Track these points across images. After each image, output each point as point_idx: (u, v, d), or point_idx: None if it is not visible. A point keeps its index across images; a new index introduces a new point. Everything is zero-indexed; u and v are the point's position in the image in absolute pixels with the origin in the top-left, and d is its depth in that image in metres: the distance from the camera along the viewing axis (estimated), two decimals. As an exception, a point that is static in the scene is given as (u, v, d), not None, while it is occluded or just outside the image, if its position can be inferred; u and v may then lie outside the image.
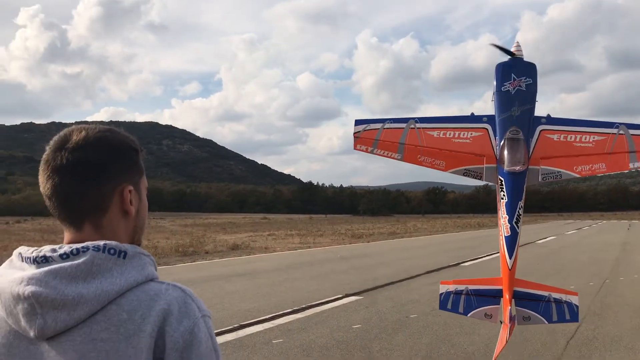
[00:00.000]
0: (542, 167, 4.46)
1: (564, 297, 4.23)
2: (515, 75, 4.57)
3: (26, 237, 37.72)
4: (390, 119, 4.87)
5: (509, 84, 4.57)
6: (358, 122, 4.91)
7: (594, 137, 4.44)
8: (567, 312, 4.18)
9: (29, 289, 1.11)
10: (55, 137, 1.25)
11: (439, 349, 7.11)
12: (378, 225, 64.23)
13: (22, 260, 1.18)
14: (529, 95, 4.58)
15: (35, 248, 1.18)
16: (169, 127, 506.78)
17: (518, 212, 4.32)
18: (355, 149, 4.84)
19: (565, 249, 24.93)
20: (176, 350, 1.13)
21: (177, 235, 42.74)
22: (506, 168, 4.41)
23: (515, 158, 4.40)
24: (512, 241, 4.29)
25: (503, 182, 4.42)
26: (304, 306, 10.02)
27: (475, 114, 4.75)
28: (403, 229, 53.72)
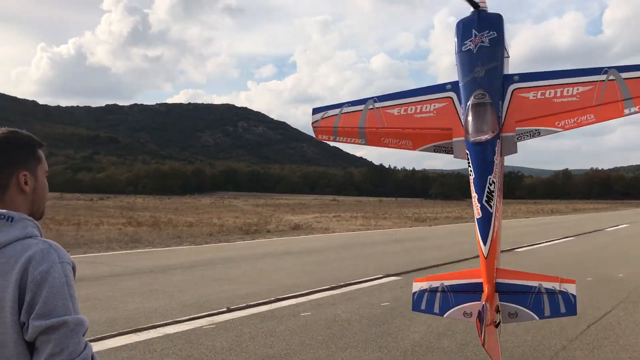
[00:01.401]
0: (518, 128, 3.88)
1: (557, 286, 3.56)
2: (477, 31, 4.02)
3: (107, 213, 40.22)
4: (348, 102, 4.53)
5: (470, 41, 4.03)
6: (315, 111, 4.60)
7: (577, 89, 3.78)
8: (562, 305, 3.52)
9: None
10: None
11: (456, 327, 7.35)
12: (447, 210, 63.61)
13: None
14: (494, 51, 4.01)
15: None
16: (245, 109, 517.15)
17: (488, 188, 3.71)
18: (317, 139, 4.57)
19: (632, 238, 23.97)
20: (34, 283, 1.59)
21: (247, 214, 44.22)
22: (471, 138, 3.87)
23: (480, 126, 3.85)
24: (484, 224, 3.68)
25: (469, 156, 3.87)
26: (341, 284, 10.45)
27: None
28: (471, 214, 52.85)
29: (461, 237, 23.44)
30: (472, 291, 3.72)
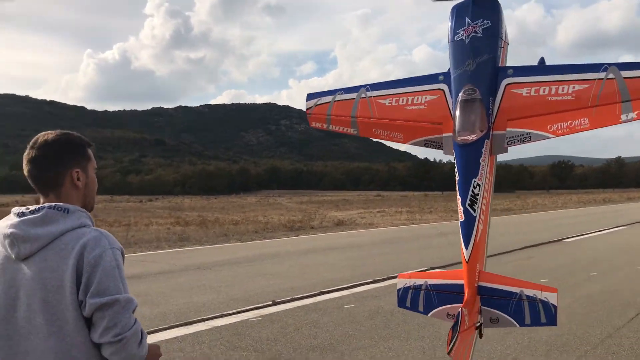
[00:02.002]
0: (508, 129, 3.63)
1: (538, 294, 3.41)
2: (470, 19, 3.75)
3: (155, 214, 41.28)
4: (342, 89, 4.35)
5: (463, 30, 3.78)
6: (310, 96, 4.44)
7: (574, 87, 3.53)
8: (542, 314, 3.38)
9: (9, 230, 1.84)
10: (32, 139, 1.92)
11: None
12: (495, 202, 62.32)
13: (13, 214, 1.87)
14: (488, 42, 3.76)
15: (20, 207, 1.87)
16: (287, 108, 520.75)
17: (472, 191, 3.54)
18: (311, 126, 4.43)
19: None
20: (89, 266, 1.79)
21: (291, 212, 44.64)
22: (457, 138, 3.65)
23: (467, 125, 3.62)
24: (467, 228, 3.54)
25: (455, 156, 3.66)
26: (384, 277, 10.53)
27: None
28: (520, 206, 52.05)
29: (507, 229, 23.12)
30: (454, 292, 3.59)
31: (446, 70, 3.94)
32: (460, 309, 3.21)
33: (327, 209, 51.14)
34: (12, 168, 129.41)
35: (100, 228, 1.91)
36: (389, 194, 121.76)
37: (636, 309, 7.60)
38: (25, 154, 1.93)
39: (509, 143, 3.60)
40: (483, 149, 3.57)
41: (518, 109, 3.61)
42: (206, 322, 7.31)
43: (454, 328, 3.06)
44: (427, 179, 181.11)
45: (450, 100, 3.81)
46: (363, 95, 4.18)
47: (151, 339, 6.30)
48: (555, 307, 3.32)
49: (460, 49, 3.76)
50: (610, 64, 3.42)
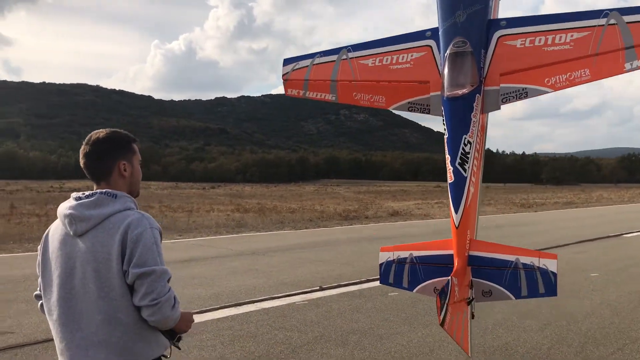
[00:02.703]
0: (502, 85, 3.40)
1: (536, 262, 3.15)
2: None
3: (217, 201, 42.60)
4: (321, 52, 4.06)
5: None
6: (287, 61, 4.15)
7: (572, 35, 3.23)
8: (540, 283, 3.13)
9: (68, 211, 2.22)
10: (86, 137, 2.30)
11: (540, 308, 7.41)
12: (558, 195, 60.88)
13: (72, 198, 2.25)
14: None
15: (78, 192, 2.25)
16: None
17: (463, 149, 3.33)
18: (286, 94, 4.15)
19: None
20: (132, 242, 2.14)
21: (347, 201, 44.95)
22: (446, 93, 3.45)
23: (457, 78, 3.42)
24: (457, 189, 3.33)
25: (444, 113, 3.48)
26: (432, 267, 10.69)
27: None
28: (584, 199, 50.35)
29: (565, 223, 22.62)
30: (443, 264, 3.36)
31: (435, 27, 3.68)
32: (449, 278, 3.01)
33: (384, 199, 51.10)
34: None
35: (142, 211, 2.27)
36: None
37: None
38: (81, 149, 2.30)
39: (504, 100, 3.40)
40: (474, 104, 3.37)
41: (512, 62, 3.38)
42: (255, 303, 7.75)
43: (441, 295, 2.88)
44: (488, 170, 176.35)
45: (438, 57, 3.59)
46: (344, 57, 3.91)
47: (204, 317, 6.81)
48: (555, 274, 3.12)
49: (449, 1, 3.52)
50: (611, 10, 3.17)
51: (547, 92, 3.33)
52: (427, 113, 3.65)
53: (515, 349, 5.86)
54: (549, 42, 3.30)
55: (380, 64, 3.81)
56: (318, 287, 8.82)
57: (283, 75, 4.11)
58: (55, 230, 2.28)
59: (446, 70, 3.47)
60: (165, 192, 62.22)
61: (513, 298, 3.22)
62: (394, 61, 3.77)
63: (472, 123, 3.37)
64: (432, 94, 3.61)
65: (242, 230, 19.29)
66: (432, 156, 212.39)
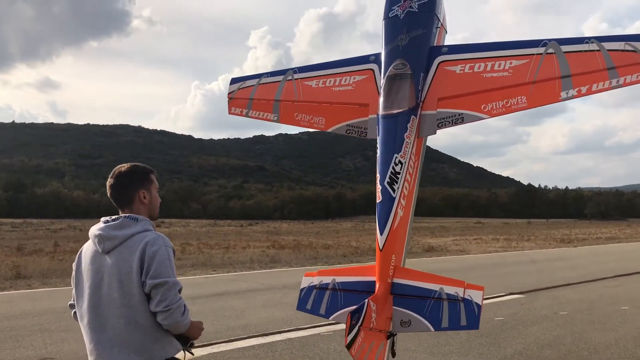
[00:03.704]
0: (439, 110, 3.42)
1: (461, 292, 3.03)
2: None
3: (254, 238, 43.06)
4: (268, 73, 4.12)
5: (398, 7, 3.63)
6: (234, 81, 4.20)
7: (511, 63, 3.29)
8: (463, 315, 2.99)
9: (98, 232, 2.60)
10: (112, 171, 2.69)
11: (564, 338, 7.44)
12: (603, 230, 59.38)
13: (101, 222, 2.63)
14: (423, 18, 3.58)
15: (107, 217, 2.62)
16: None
17: (393, 168, 3.29)
18: (230, 113, 4.12)
19: None
20: (149, 257, 2.49)
21: (384, 237, 44.82)
22: (381, 112, 3.47)
23: (393, 98, 3.46)
24: (383, 210, 3.27)
25: (377, 131, 3.49)
26: (459, 300, 10.75)
27: None
28: (628, 234, 49.02)
29: (604, 257, 22.20)
30: (364, 291, 3.23)
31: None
32: (366, 300, 2.89)
33: (422, 235, 50.73)
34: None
35: (159, 232, 2.63)
36: (489, 220, 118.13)
37: None
38: (107, 181, 2.72)
39: (440, 125, 3.42)
40: (409, 124, 3.39)
41: (450, 87, 3.42)
42: (282, 334, 8.01)
43: (353, 314, 2.75)
44: (530, 205, 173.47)
45: (379, 80, 3.64)
46: (290, 78, 3.98)
47: (231, 346, 7.08)
48: (479, 306, 2.99)
49: (393, 25, 3.61)
50: (550, 40, 3.23)
51: (483, 119, 3.33)
52: (364, 137, 3.69)
53: (532, 377, 5.93)
54: (488, 68, 3.34)
55: (323, 85, 3.86)
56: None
57: (229, 94, 4.11)
58: (87, 248, 2.67)
59: (383, 90, 3.53)
60: (203, 230, 63.20)
61: (432, 329, 3.09)
62: (336, 83, 3.84)
63: (404, 144, 3.36)
64: (370, 116, 3.65)
65: (276, 266, 19.61)
66: (471, 192, 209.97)
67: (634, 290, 12.55)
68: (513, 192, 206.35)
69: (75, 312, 2.72)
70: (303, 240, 37.15)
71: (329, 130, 3.84)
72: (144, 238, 2.55)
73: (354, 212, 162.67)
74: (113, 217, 2.66)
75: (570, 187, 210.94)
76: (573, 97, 3.10)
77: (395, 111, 3.42)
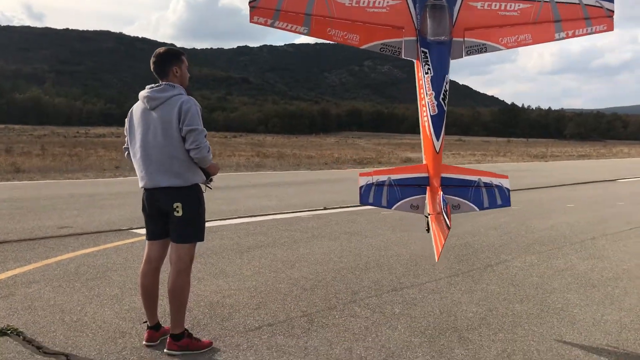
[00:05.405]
0: (467, 39, 4.17)
1: (494, 180, 3.98)
2: None
3: (238, 148, 44.04)
4: None
5: None
6: None
7: (519, 5, 4.16)
8: (498, 197, 3.94)
9: (146, 94, 3.53)
10: (154, 52, 3.60)
11: (508, 225, 8.68)
12: (579, 149, 61.31)
13: (147, 88, 3.57)
14: None
15: (152, 84, 3.56)
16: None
17: (445, 87, 3.98)
18: (251, 22, 4.06)
19: None
20: (184, 112, 3.43)
21: (366, 151, 46.08)
22: (430, 37, 4.05)
23: (439, 27, 4.05)
24: (439, 120, 3.97)
25: (427, 54, 4.04)
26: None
27: None
28: (601, 153, 50.93)
29: (570, 170, 23.66)
30: (418, 185, 3.99)
31: None
32: (438, 193, 3.79)
33: (403, 150, 51.91)
34: (108, 102, 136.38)
35: (189, 96, 3.58)
36: (470, 139, 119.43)
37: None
38: (151, 60, 3.60)
39: (468, 52, 4.19)
40: (451, 50, 4.13)
41: (474, 20, 4.17)
42: (268, 216, 9.20)
43: (443, 206, 3.67)
44: (512, 124, 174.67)
45: (412, 7, 4.15)
46: None
47: (224, 223, 8.21)
48: (508, 190, 3.96)
49: None
50: None
51: (501, 50, 4.17)
52: (397, 55, 4.14)
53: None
54: (502, 7, 4.17)
55: (357, 5, 4.11)
56: (322, 208, 10.24)
57: (250, 2, 4.01)
58: (137, 107, 3.61)
59: (429, 19, 4.06)
60: (188, 139, 63.70)
61: (477, 209, 3.99)
62: (370, 4, 4.11)
63: (449, 65, 4.08)
64: (405, 38, 4.14)
65: (261, 169, 20.75)
66: (454, 109, 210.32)
67: (584, 194, 13.92)
68: (496, 111, 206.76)
69: (128, 153, 3.71)
70: (287, 152, 38.26)
71: (363, 47, 4.20)
72: (180, 98, 3.48)
73: (339, 127, 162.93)
74: (155, 84, 3.58)
75: (553, 108, 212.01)
76: (563, 38, 4.12)
77: (442, 38, 4.06)
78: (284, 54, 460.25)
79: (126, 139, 3.70)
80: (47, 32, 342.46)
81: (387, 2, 4.14)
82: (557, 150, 56.95)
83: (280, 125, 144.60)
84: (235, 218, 8.91)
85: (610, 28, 4.28)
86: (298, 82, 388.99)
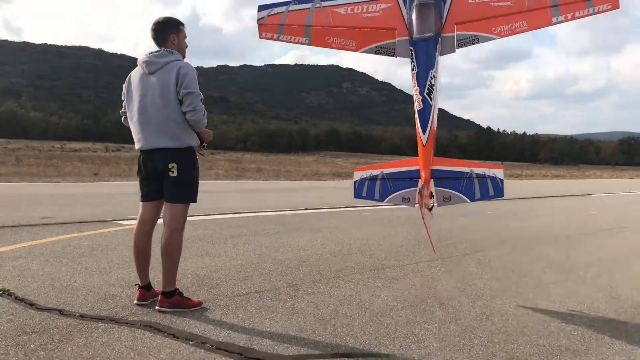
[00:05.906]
0: (458, 32, 4.18)
1: (487, 171, 3.86)
2: None
3: (217, 164, 44.08)
4: (294, 0, 4.60)
5: None
6: (262, 8, 4.63)
7: None
8: (490, 188, 3.82)
9: (145, 59, 3.66)
10: (153, 20, 3.75)
11: (485, 225, 8.91)
12: (552, 172, 62.51)
13: (145, 54, 3.71)
14: None
15: (151, 50, 3.70)
16: (350, 70, 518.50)
17: (430, 82, 4.01)
18: (260, 38, 4.61)
19: None
20: (182, 76, 3.56)
21: (344, 169, 46.51)
22: (415, 35, 4.16)
23: (424, 24, 4.14)
24: (424, 115, 3.98)
25: (413, 52, 4.15)
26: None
27: None
28: (575, 175, 52.09)
29: (545, 187, 24.16)
30: (409, 178, 4.04)
31: None
32: (422, 184, 3.84)
33: (381, 168, 52.55)
34: (85, 117, 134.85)
35: (188, 62, 3.72)
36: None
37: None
38: (150, 27, 3.74)
39: (460, 45, 4.22)
40: (438, 45, 4.20)
41: (465, 14, 4.21)
42: (251, 213, 9.31)
43: (422, 196, 3.80)
44: (488, 148, 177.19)
45: (403, 8, 4.34)
46: (318, 5, 4.48)
47: (207, 218, 8.29)
48: (502, 180, 3.82)
49: None
50: None
51: (494, 39, 4.14)
52: (392, 56, 4.33)
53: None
54: None
55: (351, 12, 4.41)
56: (303, 208, 10.38)
57: (258, 20, 4.56)
58: (135, 72, 3.72)
59: (414, 17, 4.21)
60: (166, 154, 63.38)
61: (468, 201, 3.92)
62: (364, 10, 4.39)
63: (436, 61, 4.13)
64: (398, 39, 4.31)
65: (241, 179, 20.83)
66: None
67: (559, 204, 14.36)
68: (472, 134, 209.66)
69: (124, 118, 3.81)
70: (265, 167, 38.40)
71: (359, 51, 4.48)
72: (178, 64, 3.62)
73: (317, 147, 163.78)
74: (154, 50, 3.71)
75: (528, 133, 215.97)
76: (562, 22, 4.02)
77: (427, 35, 4.15)
78: (264, 74, 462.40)
79: (123, 103, 3.81)
80: (25, 46, 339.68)
81: (380, 7, 4.38)
82: (532, 172, 58.03)
83: (259, 143, 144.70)
84: (218, 214, 9.00)
85: (615, 6, 3.98)
86: (277, 102, 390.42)
